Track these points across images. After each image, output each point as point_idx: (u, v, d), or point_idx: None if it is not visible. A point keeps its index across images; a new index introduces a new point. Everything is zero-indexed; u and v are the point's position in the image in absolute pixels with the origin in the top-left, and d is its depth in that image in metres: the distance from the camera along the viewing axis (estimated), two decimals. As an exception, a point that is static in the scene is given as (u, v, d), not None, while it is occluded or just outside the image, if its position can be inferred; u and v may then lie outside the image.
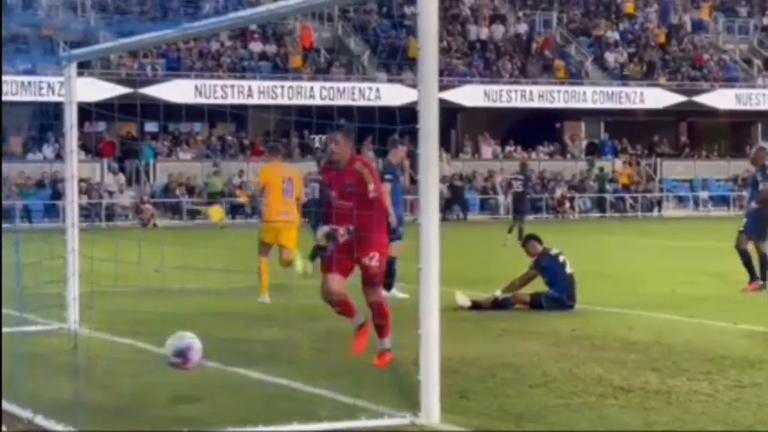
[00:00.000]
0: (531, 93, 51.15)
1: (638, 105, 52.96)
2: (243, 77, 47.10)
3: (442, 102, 7.70)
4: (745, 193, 30.46)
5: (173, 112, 44.62)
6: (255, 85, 46.51)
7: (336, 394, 8.28)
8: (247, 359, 9.79)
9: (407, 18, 50.12)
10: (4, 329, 10.13)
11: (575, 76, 53.17)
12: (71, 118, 11.96)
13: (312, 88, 46.99)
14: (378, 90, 47.31)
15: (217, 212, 16.39)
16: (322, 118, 9.80)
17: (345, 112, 37.93)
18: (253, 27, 47.49)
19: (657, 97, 53.19)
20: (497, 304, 13.86)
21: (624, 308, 13.92)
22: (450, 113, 46.86)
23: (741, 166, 49.55)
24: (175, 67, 46.53)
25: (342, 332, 10.44)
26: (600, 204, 50.16)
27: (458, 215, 45.70)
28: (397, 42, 49.85)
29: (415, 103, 7.50)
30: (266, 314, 13.24)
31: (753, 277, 16.19)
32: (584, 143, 55.03)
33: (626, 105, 52.69)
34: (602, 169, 51.45)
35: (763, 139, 54.24)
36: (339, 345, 10.23)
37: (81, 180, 34.36)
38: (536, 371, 9.39)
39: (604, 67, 55.06)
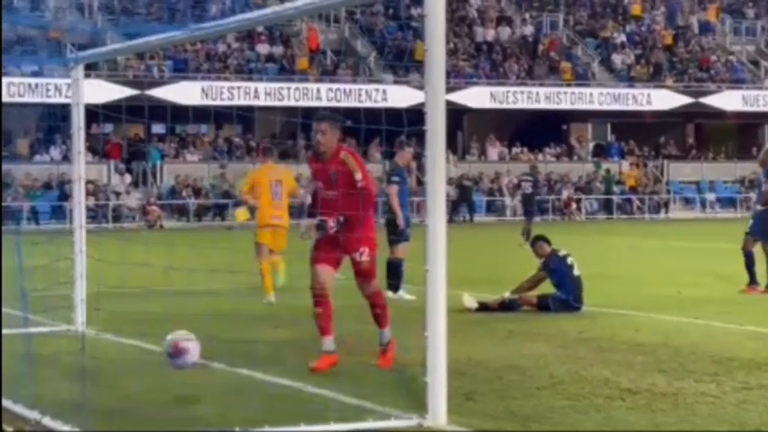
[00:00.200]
0: (537, 94, 51.13)
1: (645, 107, 52.92)
2: (249, 79, 47.13)
3: (448, 103, 7.69)
4: (753, 195, 30.45)
5: (179, 113, 44.66)
6: (262, 86, 46.54)
7: (343, 395, 8.28)
8: (253, 360, 9.78)
9: (414, 20, 50.16)
10: (12, 331, 10.16)
11: (581, 78, 53.14)
12: (78, 120, 11.97)
13: (319, 90, 47.02)
14: (384, 92, 47.33)
15: (242, 214, 16.50)
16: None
17: (352, 113, 38.06)
18: (259, 29, 47.54)
19: (664, 99, 53.15)
20: (504, 306, 13.85)
21: (631, 310, 13.90)
22: (456, 115, 46.88)
23: (748, 168, 49.49)
24: (182, 69, 46.59)
25: (347, 333, 10.43)
26: (607, 206, 50.13)
27: (464, 217, 45.69)
28: (404, 44, 49.86)
29: (421, 105, 7.50)
30: (272, 315, 13.24)
31: (752, 281, 16.23)
32: (591, 145, 55.01)
33: (633, 107, 52.65)
34: (608, 171, 51.43)
35: (770, 140, 54.24)
36: (345, 346, 10.22)
37: (88, 182, 34.44)
38: (543, 373, 9.38)
39: (611, 69, 55.02)
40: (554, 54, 54.34)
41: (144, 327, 11.73)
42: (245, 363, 9.58)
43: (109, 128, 46.59)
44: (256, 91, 46.29)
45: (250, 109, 44.75)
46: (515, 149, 52.07)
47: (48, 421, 7.42)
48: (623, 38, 56.77)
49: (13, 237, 10.14)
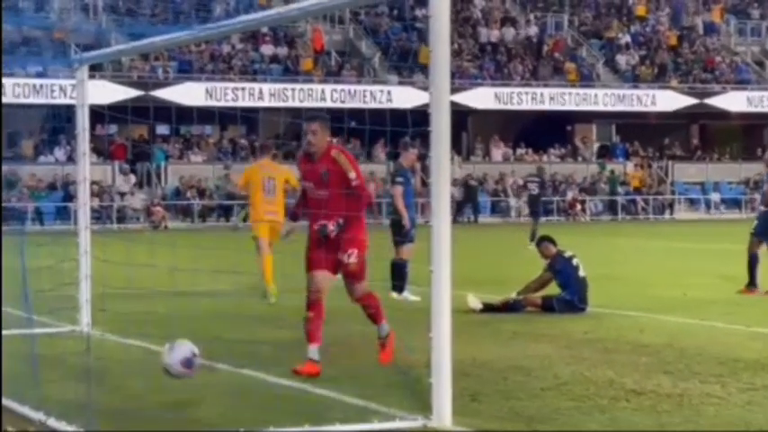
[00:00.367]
0: (542, 95, 51.11)
1: (650, 108, 52.88)
2: (254, 80, 47.14)
3: (452, 104, 7.69)
4: (757, 196, 30.43)
5: (184, 114, 44.63)
6: (266, 87, 46.55)
7: (348, 396, 8.27)
8: (257, 361, 9.78)
9: (419, 21, 50.13)
10: (16, 331, 10.16)
11: (586, 79, 53.11)
12: (83, 121, 11.98)
13: (323, 91, 47.02)
14: (389, 93, 47.32)
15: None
16: (333, 121, 9.74)
17: (357, 114, 38.09)
18: (264, 30, 47.54)
19: (669, 100, 53.11)
20: (509, 306, 13.84)
21: (636, 311, 13.89)
22: (461, 116, 46.84)
23: (753, 169, 49.46)
24: (187, 70, 46.61)
25: (351, 334, 10.43)
26: (611, 207, 50.10)
27: (468, 218, 45.68)
28: (409, 45, 49.86)
29: (426, 106, 7.50)
30: (275, 316, 13.25)
31: (751, 283, 16.22)
32: (596, 146, 54.98)
33: (637, 108, 52.62)
34: (613, 172, 51.40)
35: (774, 141, 54.26)
36: (349, 347, 10.22)
37: (93, 182, 34.49)
38: (547, 374, 9.37)
39: (616, 70, 54.98)
40: (558, 55, 54.32)
41: (149, 327, 11.73)
42: (249, 363, 9.58)
43: (113, 129, 46.63)
44: (261, 92, 46.31)
45: (254, 110, 44.78)
46: (520, 150, 52.05)
47: (53, 422, 7.42)
48: (628, 38, 56.73)
49: (18, 237, 10.15)
